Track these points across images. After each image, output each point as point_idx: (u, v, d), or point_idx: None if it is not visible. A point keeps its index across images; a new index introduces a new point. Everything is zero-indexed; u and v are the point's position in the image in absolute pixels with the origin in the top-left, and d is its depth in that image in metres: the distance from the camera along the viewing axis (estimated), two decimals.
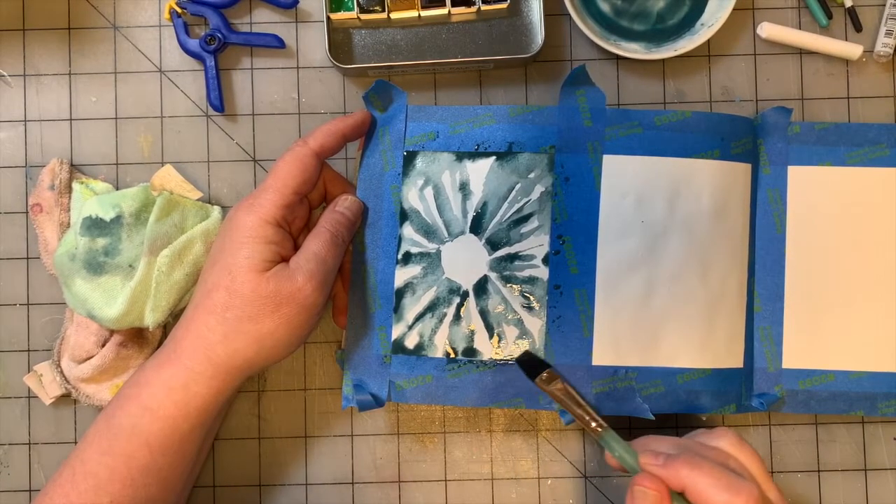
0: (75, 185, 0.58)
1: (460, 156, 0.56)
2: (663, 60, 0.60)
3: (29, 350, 0.59)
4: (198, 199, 0.59)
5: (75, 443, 0.59)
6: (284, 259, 0.51)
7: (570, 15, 0.57)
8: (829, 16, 0.60)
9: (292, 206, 0.52)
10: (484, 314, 0.55)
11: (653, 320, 0.55)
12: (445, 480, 0.59)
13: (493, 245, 0.55)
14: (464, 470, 0.59)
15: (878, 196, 0.58)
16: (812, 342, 0.57)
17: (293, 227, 0.54)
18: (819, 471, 0.59)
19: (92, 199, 0.56)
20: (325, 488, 0.59)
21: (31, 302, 0.59)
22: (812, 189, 0.58)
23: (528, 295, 0.55)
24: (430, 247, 0.55)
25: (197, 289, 0.52)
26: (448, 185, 0.56)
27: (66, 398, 0.59)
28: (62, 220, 0.58)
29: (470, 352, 0.55)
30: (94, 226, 0.55)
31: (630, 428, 0.59)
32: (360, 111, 0.56)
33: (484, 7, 0.58)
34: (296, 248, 0.53)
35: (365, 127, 0.56)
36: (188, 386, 0.50)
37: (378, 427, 0.59)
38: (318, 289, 0.50)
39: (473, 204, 0.55)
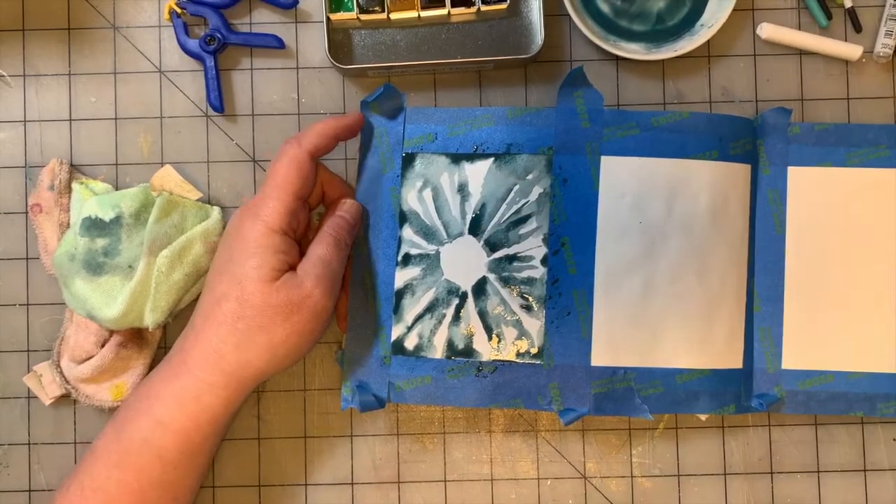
0: (75, 186, 0.58)
1: (459, 157, 0.56)
2: (663, 61, 0.60)
3: (28, 350, 0.59)
4: (197, 200, 0.59)
5: (75, 443, 0.59)
6: (292, 267, 0.51)
7: (569, 15, 0.57)
8: (829, 16, 0.60)
9: (295, 211, 0.52)
10: (483, 315, 0.55)
11: (651, 321, 0.55)
12: (445, 481, 0.59)
13: (491, 246, 0.55)
14: (463, 470, 0.59)
15: (877, 197, 0.58)
16: (811, 343, 0.57)
17: (297, 233, 0.53)
18: (818, 471, 0.59)
19: (91, 200, 0.56)
20: (325, 489, 0.59)
21: (31, 302, 0.59)
22: (812, 190, 0.58)
23: (526, 296, 0.55)
24: (430, 248, 0.55)
25: (204, 298, 0.52)
26: (447, 187, 0.56)
27: (65, 398, 0.59)
28: (62, 220, 0.58)
29: (469, 352, 0.55)
30: (94, 226, 0.55)
31: (629, 429, 0.59)
32: (352, 113, 0.56)
33: (484, 7, 0.58)
34: (300, 251, 0.52)
35: (357, 128, 0.55)
36: (200, 397, 0.50)
37: (377, 428, 0.59)
38: (326, 293, 0.50)
39: (472, 205, 0.55)
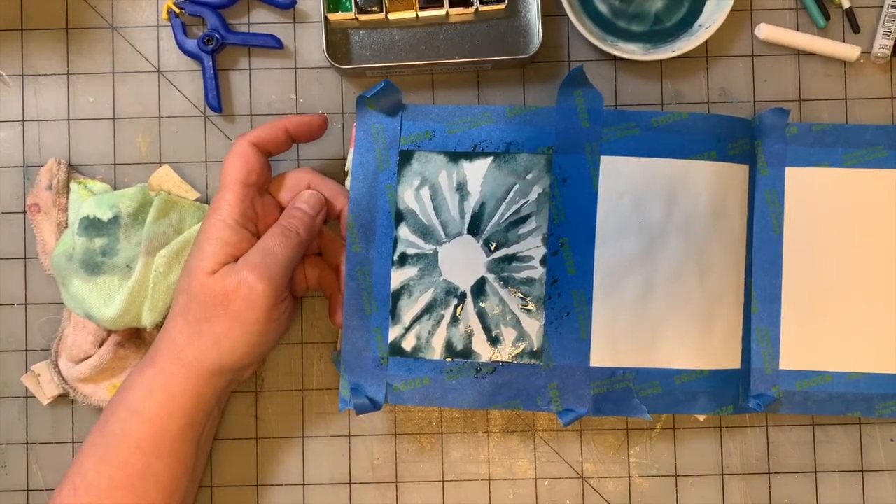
0: (73, 185, 0.58)
1: (457, 156, 0.56)
2: (661, 61, 0.60)
3: (27, 350, 0.59)
4: (195, 200, 0.59)
5: (73, 443, 0.59)
6: (238, 259, 0.51)
7: (567, 16, 0.57)
8: (827, 17, 0.60)
9: (247, 198, 0.52)
10: (482, 316, 0.55)
11: (650, 321, 0.55)
12: (443, 481, 0.59)
13: (491, 246, 0.55)
14: (461, 470, 0.59)
15: (875, 197, 0.58)
16: (809, 343, 0.57)
17: (260, 225, 0.53)
18: (816, 472, 0.59)
19: (90, 200, 0.56)
20: (323, 488, 0.59)
21: (29, 302, 0.59)
22: (809, 190, 0.58)
23: (525, 296, 0.55)
24: (427, 248, 0.55)
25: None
26: (445, 186, 0.55)
27: (63, 398, 0.59)
28: (60, 220, 0.58)
29: (468, 353, 0.55)
30: (92, 226, 0.55)
31: (627, 429, 0.59)
32: (314, 115, 0.55)
33: (482, 8, 0.58)
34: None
35: (319, 131, 0.55)
36: (167, 387, 0.51)
37: (375, 427, 0.59)
38: (260, 279, 0.50)
39: (471, 204, 0.55)
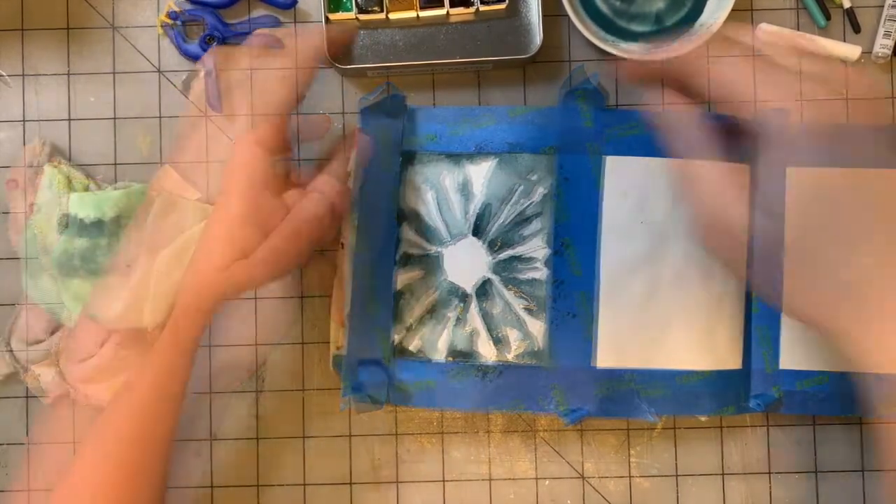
0: (46, 168, 0.57)
1: (460, 157, 0.56)
2: (662, 61, 0.60)
3: (27, 349, 0.59)
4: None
5: (73, 443, 0.59)
6: (247, 255, 0.51)
7: (568, 16, 0.57)
8: (828, 17, 0.60)
9: (252, 195, 0.52)
10: (486, 317, 0.55)
11: (654, 322, 0.55)
12: (443, 481, 0.59)
13: (494, 247, 0.55)
14: (462, 470, 0.59)
15: (876, 198, 0.58)
16: (810, 343, 0.57)
17: (266, 223, 0.53)
18: (816, 472, 0.59)
19: (91, 200, 0.56)
20: (323, 489, 0.59)
21: (30, 302, 0.59)
22: (810, 190, 0.57)
23: (529, 297, 0.55)
24: (431, 249, 0.55)
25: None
26: (448, 187, 0.55)
27: (64, 398, 0.58)
28: (31, 200, 0.57)
29: (471, 355, 0.55)
30: (94, 226, 0.55)
31: (628, 429, 0.59)
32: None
33: (482, 8, 0.58)
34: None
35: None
36: (169, 385, 0.51)
37: (376, 427, 0.59)
38: (258, 265, 0.50)
39: (474, 206, 0.55)
